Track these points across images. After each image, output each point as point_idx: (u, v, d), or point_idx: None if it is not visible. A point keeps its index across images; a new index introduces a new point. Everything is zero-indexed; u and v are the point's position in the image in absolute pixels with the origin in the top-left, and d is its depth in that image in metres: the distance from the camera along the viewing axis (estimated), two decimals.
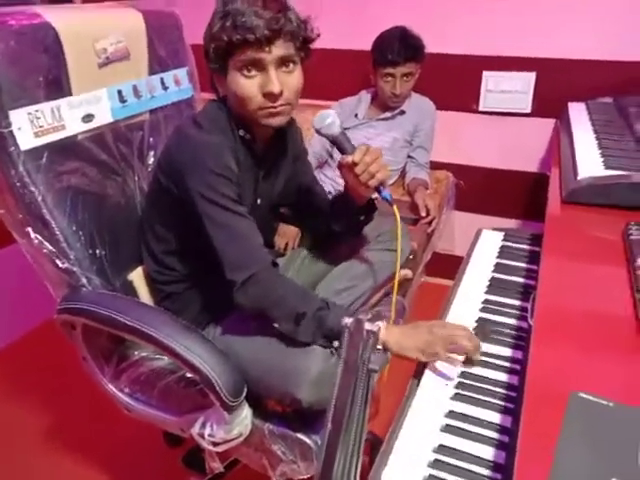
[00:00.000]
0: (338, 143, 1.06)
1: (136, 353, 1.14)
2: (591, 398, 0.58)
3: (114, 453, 1.58)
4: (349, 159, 1.02)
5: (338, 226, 1.22)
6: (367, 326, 0.66)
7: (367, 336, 0.66)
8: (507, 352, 0.93)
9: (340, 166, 1.08)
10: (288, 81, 0.97)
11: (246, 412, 0.97)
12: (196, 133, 1.01)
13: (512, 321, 1.02)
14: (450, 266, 2.31)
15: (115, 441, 1.61)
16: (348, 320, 0.66)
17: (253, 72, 0.96)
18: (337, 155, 2.00)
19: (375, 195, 1.11)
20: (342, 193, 1.20)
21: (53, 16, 1.04)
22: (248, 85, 0.96)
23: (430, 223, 1.82)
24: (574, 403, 0.57)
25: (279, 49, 0.94)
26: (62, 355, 1.51)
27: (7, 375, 1.88)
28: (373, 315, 0.73)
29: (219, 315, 1.12)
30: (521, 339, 0.96)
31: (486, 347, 0.94)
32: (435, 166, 2.11)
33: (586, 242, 1.00)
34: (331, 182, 2.01)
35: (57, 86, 1.06)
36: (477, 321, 1.02)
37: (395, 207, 1.06)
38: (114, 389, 1.13)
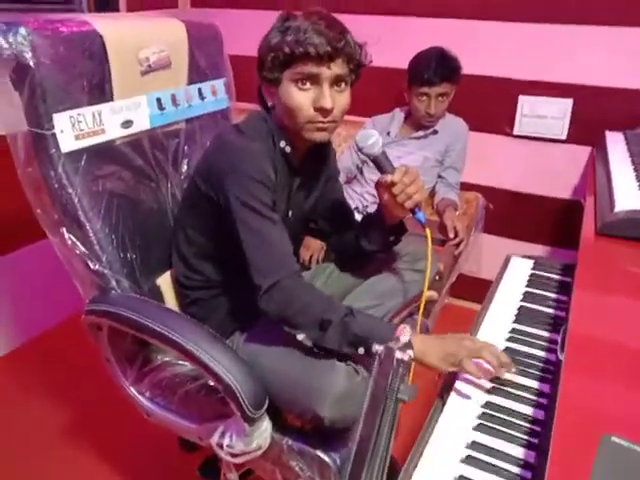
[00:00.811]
0: (378, 162, 1.08)
1: (159, 357, 1.15)
2: (624, 443, 0.56)
3: (129, 455, 1.59)
4: (388, 178, 1.04)
5: (367, 244, 1.22)
6: (398, 355, 0.65)
7: (397, 364, 0.65)
8: (534, 384, 0.91)
9: (378, 185, 1.10)
10: (339, 100, 1.01)
11: (266, 425, 0.97)
12: (237, 139, 1.04)
13: (540, 353, 0.99)
14: (475, 289, 2.29)
15: (130, 443, 1.62)
16: (379, 347, 0.65)
17: (307, 85, 0.99)
18: (366, 172, 2.01)
19: (409, 216, 1.12)
20: (374, 212, 1.21)
21: (101, 24, 1.07)
22: (302, 97, 0.99)
23: (458, 245, 1.80)
24: (606, 448, 0.56)
25: (337, 67, 0.98)
26: (81, 354, 1.53)
27: (25, 372, 1.91)
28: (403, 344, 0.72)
29: (244, 324, 1.12)
30: (548, 372, 0.94)
31: (512, 378, 0.92)
32: (465, 187, 2.09)
33: (621, 276, 0.97)
34: (359, 198, 2.01)
35: (100, 91, 1.09)
36: (504, 351, 1.00)
37: (428, 230, 1.07)
38: (135, 392, 1.14)
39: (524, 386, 0.91)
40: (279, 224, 1.00)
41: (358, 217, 1.35)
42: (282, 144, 1.08)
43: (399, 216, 1.14)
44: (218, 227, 1.05)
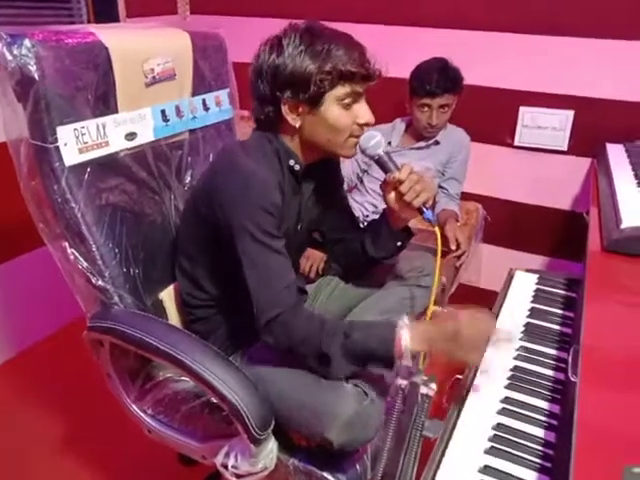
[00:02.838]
0: (382, 163, 1.08)
1: (161, 374, 1.13)
2: None
3: (127, 470, 1.57)
4: (396, 175, 1.04)
5: (374, 251, 1.20)
6: (423, 390, 0.64)
7: (422, 400, 0.64)
8: (544, 405, 0.91)
9: (384, 185, 1.10)
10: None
11: (272, 445, 0.95)
12: (243, 162, 1.01)
13: (549, 372, 0.99)
14: (474, 299, 2.28)
15: (129, 457, 1.59)
16: (403, 382, 0.64)
17: (351, 103, 1.01)
18: (367, 181, 2.00)
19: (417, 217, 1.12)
20: (379, 217, 1.20)
21: (106, 35, 1.05)
22: (348, 116, 1.01)
23: (460, 257, 1.79)
24: None
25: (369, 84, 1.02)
26: (78, 363, 1.50)
27: (21, 382, 1.88)
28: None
29: (247, 342, 1.11)
30: (558, 392, 0.94)
31: (522, 398, 0.92)
32: (465, 197, 2.09)
33: (632, 295, 0.97)
34: (360, 207, 2.00)
35: (104, 104, 1.07)
36: (512, 370, 0.99)
37: (437, 228, 1.07)
38: (137, 409, 1.12)
39: (534, 407, 0.90)
40: (282, 252, 0.98)
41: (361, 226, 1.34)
42: (291, 162, 1.06)
43: (406, 218, 1.14)
44: (219, 248, 1.03)
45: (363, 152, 1.07)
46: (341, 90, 0.98)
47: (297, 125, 1.02)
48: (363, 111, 1.02)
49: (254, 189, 0.96)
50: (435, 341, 0.92)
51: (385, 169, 1.08)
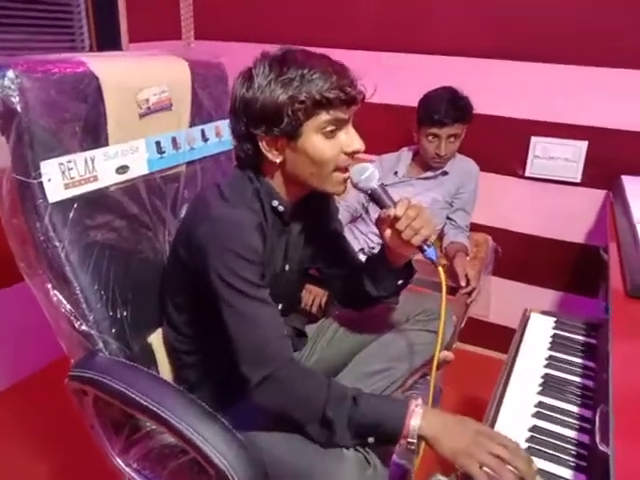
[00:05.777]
0: (376, 197, 0.98)
1: (148, 424, 1.05)
2: None
3: None
4: (391, 212, 0.94)
5: (374, 290, 1.10)
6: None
7: None
8: (568, 474, 0.82)
9: (379, 221, 1.00)
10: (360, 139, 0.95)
11: None
12: (220, 207, 0.93)
13: (571, 433, 0.90)
14: (483, 333, 2.20)
15: None
16: None
17: (334, 132, 0.92)
18: (372, 210, 1.93)
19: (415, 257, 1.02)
20: (377, 254, 1.10)
21: (98, 65, 1.00)
22: (331, 146, 0.92)
23: (470, 293, 1.70)
24: None
25: (355, 108, 0.93)
26: (65, 402, 1.43)
27: (7, 418, 1.79)
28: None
29: (240, 395, 1.02)
30: (582, 457, 0.85)
31: (545, 466, 0.82)
32: (474, 228, 2.01)
33: None
34: (364, 238, 1.93)
35: (94, 136, 1.01)
36: (531, 430, 0.90)
37: (441, 268, 0.95)
38: (122, 463, 1.04)
39: (557, 476, 0.81)
40: (268, 303, 0.91)
41: (363, 259, 1.25)
42: (275, 203, 0.98)
43: (406, 255, 1.04)
44: (202, 295, 0.94)
45: (355, 186, 0.98)
46: (320, 119, 0.89)
47: (278, 161, 0.94)
48: (349, 138, 0.93)
49: (231, 235, 0.88)
50: (449, 437, 0.81)
51: (380, 204, 0.98)
